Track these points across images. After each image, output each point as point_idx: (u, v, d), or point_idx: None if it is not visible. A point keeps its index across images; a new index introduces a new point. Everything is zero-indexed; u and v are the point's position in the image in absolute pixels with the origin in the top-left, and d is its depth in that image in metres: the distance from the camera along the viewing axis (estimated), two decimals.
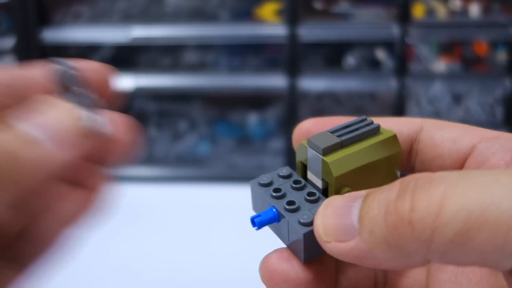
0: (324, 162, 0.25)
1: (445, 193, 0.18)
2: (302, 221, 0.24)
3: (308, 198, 0.25)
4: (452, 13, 1.04)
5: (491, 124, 1.08)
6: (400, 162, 0.27)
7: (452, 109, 1.08)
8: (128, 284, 0.74)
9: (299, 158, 0.27)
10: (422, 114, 1.08)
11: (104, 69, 0.26)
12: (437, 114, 1.08)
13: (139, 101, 1.13)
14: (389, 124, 0.28)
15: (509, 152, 0.24)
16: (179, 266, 0.77)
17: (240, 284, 0.63)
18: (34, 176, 0.21)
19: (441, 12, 1.04)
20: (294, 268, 0.24)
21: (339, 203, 0.21)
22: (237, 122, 1.14)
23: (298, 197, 0.26)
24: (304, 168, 0.27)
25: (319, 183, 0.26)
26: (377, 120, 0.27)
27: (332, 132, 0.26)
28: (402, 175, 0.25)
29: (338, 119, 0.28)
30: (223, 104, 1.13)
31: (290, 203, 0.25)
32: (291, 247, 0.25)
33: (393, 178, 0.27)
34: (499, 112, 1.08)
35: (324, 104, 1.11)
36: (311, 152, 0.26)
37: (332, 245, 0.21)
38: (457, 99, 1.08)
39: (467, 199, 0.17)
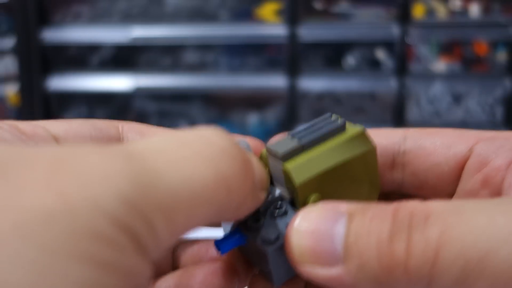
0: (285, 169, 0.22)
1: (441, 236, 0.17)
2: (266, 237, 0.21)
3: (274, 213, 0.22)
4: (452, 13, 1.04)
5: (491, 124, 1.07)
6: (377, 162, 0.24)
7: (452, 109, 1.08)
8: None
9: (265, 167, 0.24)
10: (422, 114, 1.07)
11: (259, 143, 0.25)
12: (437, 114, 1.08)
13: (139, 101, 1.13)
14: None
15: (511, 151, 0.22)
16: None
17: None
18: (244, 205, 0.19)
19: (441, 12, 1.04)
20: None
21: (317, 219, 0.19)
22: (237, 122, 1.14)
23: (265, 213, 0.22)
24: (271, 178, 0.24)
25: (285, 193, 0.23)
26: None
27: (293, 135, 0.23)
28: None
29: None
30: (223, 104, 1.13)
31: (254, 220, 0.22)
32: (262, 271, 0.22)
33: (372, 183, 0.24)
34: (499, 112, 1.08)
35: (324, 104, 1.11)
36: (272, 160, 0.23)
37: (307, 269, 0.19)
38: (457, 99, 1.08)
39: (464, 245, 0.16)
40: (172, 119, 1.14)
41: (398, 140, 0.25)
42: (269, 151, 0.23)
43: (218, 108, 1.14)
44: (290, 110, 1.05)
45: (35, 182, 0.13)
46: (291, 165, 0.22)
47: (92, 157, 0.15)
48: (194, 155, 0.16)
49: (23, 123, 0.21)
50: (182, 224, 0.16)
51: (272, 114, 1.13)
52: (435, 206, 0.18)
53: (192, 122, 1.14)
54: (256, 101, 1.13)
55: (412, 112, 1.07)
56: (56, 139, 0.21)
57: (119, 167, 0.14)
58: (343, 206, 0.19)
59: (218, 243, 0.22)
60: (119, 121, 0.24)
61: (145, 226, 0.14)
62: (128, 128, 0.24)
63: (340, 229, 0.18)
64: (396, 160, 0.25)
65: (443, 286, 0.17)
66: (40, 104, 1.06)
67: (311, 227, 0.19)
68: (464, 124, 1.08)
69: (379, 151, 0.24)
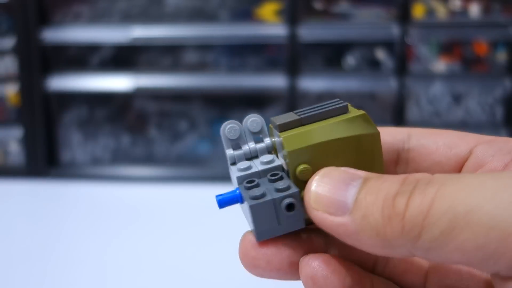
0: (280, 138, 0.24)
1: (436, 193, 0.19)
2: (253, 194, 0.23)
3: (270, 177, 0.24)
4: (452, 13, 1.04)
5: (491, 124, 1.08)
6: (381, 149, 0.25)
7: (452, 109, 1.08)
8: (128, 284, 0.74)
9: (272, 141, 0.27)
10: (422, 114, 1.07)
11: None
12: (437, 114, 1.08)
13: (139, 101, 1.13)
14: None
15: (508, 154, 0.24)
16: (179, 266, 0.77)
17: (240, 284, 0.63)
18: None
19: (441, 12, 1.04)
20: (275, 254, 0.24)
21: (338, 177, 0.22)
22: None
23: (265, 180, 0.25)
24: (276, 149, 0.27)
25: (284, 164, 0.25)
26: None
27: (296, 112, 0.26)
28: None
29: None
30: (223, 104, 1.13)
31: (250, 181, 0.24)
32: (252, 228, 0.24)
33: (375, 170, 0.24)
34: (499, 112, 1.08)
35: None
36: (274, 132, 0.26)
37: (319, 214, 0.21)
38: (457, 99, 1.08)
39: (455, 201, 0.18)
40: (172, 119, 1.14)
41: (402, 138, 0.27)
42: (271, 122, 0.26)
43: (218, 108, 1.14)
44: (290, 110, 1.05)
45: None
46: (285, 134, 0.24)
47: None
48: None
49: None
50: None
51: (272, 114, 1.13)
52: (438, 175, 0.20)
53: (192, 122, 1.14)
54: (256, 101, 1.13)
55: (412, 112, 1.07)
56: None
57: None
58: (362, 172, 0.22)
59: (218, 199, 0.24)
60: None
61: None
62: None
63: (354, 187, 0.21)
64: (400, 157, 0.27)
65: (431, 236, 0.18)
66: (40, 104, 1.06)
67: (330, 181, 0.22)
68: (464, 124, 1.08)
69: (385, 147, 0.26)
